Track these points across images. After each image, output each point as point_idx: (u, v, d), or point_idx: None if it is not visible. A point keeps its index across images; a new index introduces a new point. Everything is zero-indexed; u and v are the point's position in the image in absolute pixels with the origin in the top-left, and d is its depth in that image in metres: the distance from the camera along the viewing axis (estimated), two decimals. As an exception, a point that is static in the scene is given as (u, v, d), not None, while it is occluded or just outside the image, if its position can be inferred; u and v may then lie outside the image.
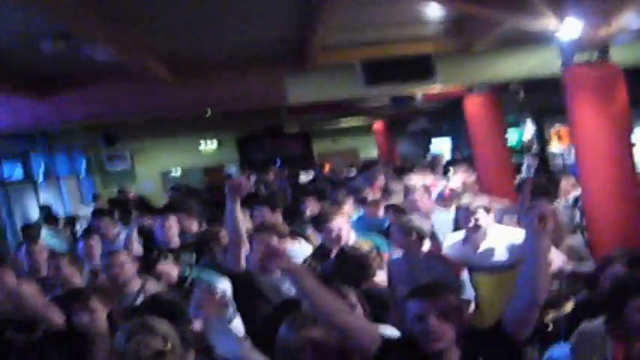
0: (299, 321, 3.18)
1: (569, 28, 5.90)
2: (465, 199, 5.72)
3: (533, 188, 6.78)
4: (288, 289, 4.73)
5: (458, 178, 9.85)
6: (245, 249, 4.63)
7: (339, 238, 5.52)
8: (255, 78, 9.29)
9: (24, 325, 4.53)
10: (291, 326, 3.15)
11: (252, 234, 5.30)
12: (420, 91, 10.05)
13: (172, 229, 6.89)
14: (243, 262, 4.59)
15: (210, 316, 2.93)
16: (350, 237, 5.64)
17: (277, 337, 3.18)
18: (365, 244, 5.01)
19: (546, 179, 8.26)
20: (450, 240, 5.69)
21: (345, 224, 5.71)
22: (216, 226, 6.89)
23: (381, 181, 9.50)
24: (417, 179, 8.87)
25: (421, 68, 7.71)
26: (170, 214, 7.18)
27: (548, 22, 6.05)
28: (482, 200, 5.59)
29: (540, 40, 7.25)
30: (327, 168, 18.33)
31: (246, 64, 9.10)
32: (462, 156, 16.55)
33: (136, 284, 5.09)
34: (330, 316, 3.03)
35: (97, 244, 6.60)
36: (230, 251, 4.61)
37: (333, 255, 5.37)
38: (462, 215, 5.52)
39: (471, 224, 5.35)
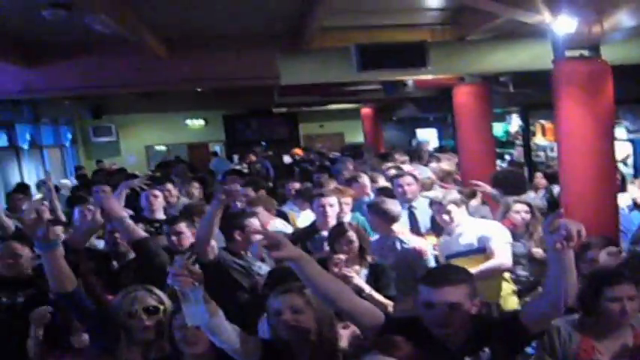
0: (282, 288, 3.32)
1: (563, 23, 6.01)
2: (438, 193, 5.96)
3: (504, 180, 7.02)
4: (259, 268, 4.93)
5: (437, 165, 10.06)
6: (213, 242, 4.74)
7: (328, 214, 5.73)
8: (248, 56, 9.32)
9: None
10: (276, 293, 3.29)
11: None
12: (413, 78, 10.11)
13: (158, 199, 7.11)
14: (211, 253, 4.68)
15: (185, 286, 2.98)
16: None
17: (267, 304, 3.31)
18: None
19: (514, 172, 8.32)
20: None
21: (335, 202, 5.89)
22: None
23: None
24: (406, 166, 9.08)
25: (415, 55, 7.75)
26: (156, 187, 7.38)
27: (542, 17, 6.16)
28: (454, 195, 5.80)
29: (534, 34, 7.35)
30: (299, 152, 18.34)
31: (241, 42, 9.13)
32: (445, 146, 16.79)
33: None
34: (336, 301, 3.10)
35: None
36: (199, 245, 4.63)
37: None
38: (435, 209, 5.76)
39: (444, 217, 5.61)
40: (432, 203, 5.84)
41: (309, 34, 8.15)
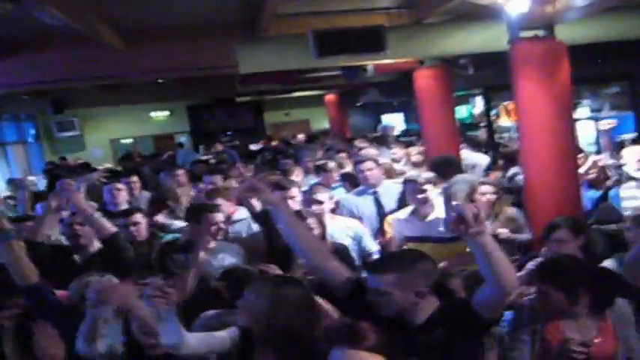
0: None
1: (516, 3, 6.02)
2: (412, 172, 5.89)
3: (444, 163, 7.07)
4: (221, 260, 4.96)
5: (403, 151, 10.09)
6: None
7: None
8: (206, 46, 9.27)
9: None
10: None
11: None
12: (372, 63, 10.10)
13: (122, 192, 7.10)
14: None
15: (160, 307, 2.97)
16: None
17: None
18: None
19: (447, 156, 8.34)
20: (398, 215, 5.83)
21: (297, 194, 5.89)
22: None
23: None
24: (369, 151, 9.09)
25: (373, 40, 7.74)
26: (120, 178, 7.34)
27: (495, -2, 6.19)
28: (429, 174, 5.75)
29: (490, 15, 7.36)
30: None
31: (198, 32, 9.07)
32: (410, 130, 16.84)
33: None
34: (308, 252, 3.31)
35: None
36: None
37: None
38: (409, 188, 5.64)
39: (419, 196, 5.51)
40: (406, 182, 5.73)
41: (265, 22, 8.11)
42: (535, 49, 6.32)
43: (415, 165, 9.01)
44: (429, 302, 3.05)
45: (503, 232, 5.83)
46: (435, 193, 5.57)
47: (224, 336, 3.22)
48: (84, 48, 8.91)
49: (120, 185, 7.21)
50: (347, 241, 5.41)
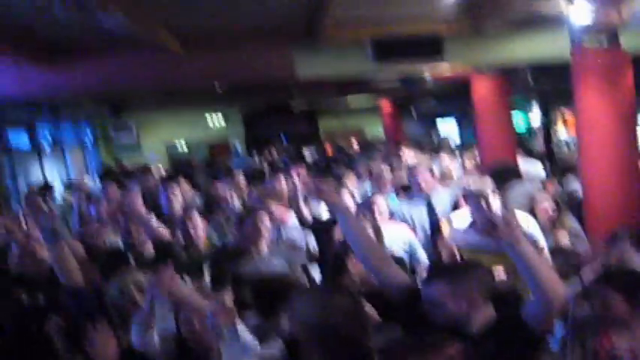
0: None
1: (580, 11, 5.91)
2: (475, 183, 5.74)
3: (504, 171, 6.92)
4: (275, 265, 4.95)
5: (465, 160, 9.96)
6: None
7: None
8: (264, 52, 9.27)
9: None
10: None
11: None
12: (429, 71, 10.03)
13: (178, 197, 7.15)
14: None
15: (223, 325, 2.99)
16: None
17: None
18: None
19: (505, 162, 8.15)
20: (458, 221, 5.71)
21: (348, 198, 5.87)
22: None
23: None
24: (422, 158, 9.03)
25: (431, 47, 7.72)
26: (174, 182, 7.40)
27: (558, 5, 6.07)
28: (490, 185, 5.61)
29: (550, 24, 7.25)
30: (329, 149, 18.44)
31: (256, 38, 9.08)
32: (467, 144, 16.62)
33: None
34: (368, 255, 3.34)
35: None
36: None
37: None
38: (472, 202, 5.31)
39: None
40: (469, 194, 5.48)
41: (323, 28, 8.09)
42: (598, 58, 6.21)
43: (468, 171, 8.88)
44: (483, 313, 3.00)
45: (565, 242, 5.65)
46: (496, 203, 5.43)
47: (273, 352, 3.21)
48: (142, 52, 9.03)
49: (177, 190, 7.29)
50: (400, 251, 5.37)
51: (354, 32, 8.52)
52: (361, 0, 7.42)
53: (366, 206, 5.65)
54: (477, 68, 9.65)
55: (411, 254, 5.53)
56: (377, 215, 5.49)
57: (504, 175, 6.99)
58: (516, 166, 7.71)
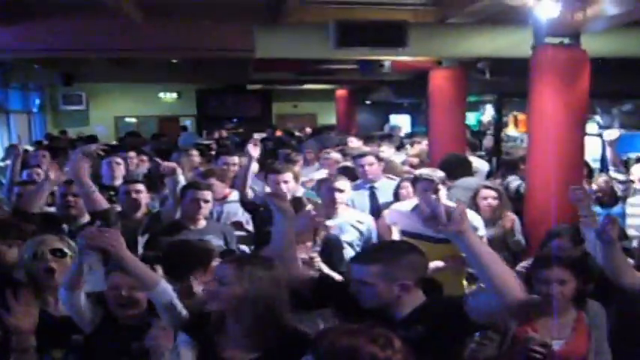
0: None
1: (546, 7, 5.97)
2: (426, 171, 5.79)
3: (457, 163, 6.99)
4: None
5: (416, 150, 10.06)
6: None
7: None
8: (225, 27, 9.20)
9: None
10: None
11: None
12: (390, 58, 10.04)
13: (120, 167, 7.20)
14: None
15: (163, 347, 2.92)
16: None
17: None
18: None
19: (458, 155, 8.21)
20: (399, 206, 5.70)
21: (291, 179, 5.94)
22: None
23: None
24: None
25: (394, 35, 7.68)
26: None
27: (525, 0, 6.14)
28: (441, 173, 5.63)
29: (515, 20, 7.34)
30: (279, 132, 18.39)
31: (219, 13, 8.99)
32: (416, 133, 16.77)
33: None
34: (285, 254, 3.29)
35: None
36: None
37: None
38: (422, 186, 5.37)
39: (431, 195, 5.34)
40: (418, 180, 5.51)
41: (287, 8, 8.03)
42: (559, 56, 6.30)
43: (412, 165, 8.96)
44: (414, 297, 2.97)
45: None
46: (443, 193, 5.46)
47: None
48: (101, 18, 8.85)
49: (119, 159, 7.28)
50: (354, 234, 5.37)
51: (318, 14, 8.50)
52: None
53: (329, 186, 5.62)
54: (438, 59, 9.71)
55: (367, 240, 5.50)
56: (337, 196, 5.45)
57: (456, 167, 7.02)
58: (467, 159, 7.75)
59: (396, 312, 2.94)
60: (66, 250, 3.75)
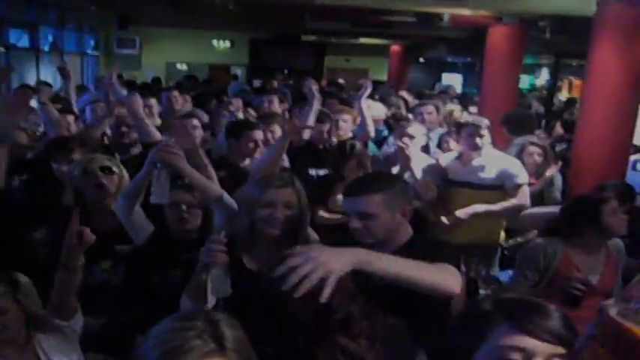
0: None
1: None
2: (472, 117, 5.80)
3: (512, 119, 6.87)
4: None
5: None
6: None
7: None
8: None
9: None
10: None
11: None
12: (452, 11, 9.84)
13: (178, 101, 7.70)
14: None
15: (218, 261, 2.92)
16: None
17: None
18: None
19: (523, 112, 8.07)
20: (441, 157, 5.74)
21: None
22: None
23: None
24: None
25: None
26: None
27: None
28: (486, 120, 5.56)
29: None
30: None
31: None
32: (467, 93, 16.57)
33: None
34: None
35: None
36: None
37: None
38: (468, 131, 5.33)
39: (477, 140, 5.24)
40: (463, 125, 5.45)
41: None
42: (624, 14, 6.12)
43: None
44: (405, 229, 2.94)
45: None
46: (487, 139, 5.39)
47: None
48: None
49: (175, 93, 7.89)
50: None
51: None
52: None
53: (401, 132, 5.63)
54: (499, 15, 9.51)
55: None
56: (407, 141, 5.42)
57: (522, 124, 6.89)
58: (532, 116, 7.59)
59: (391, 244, 2.86)
60: (114, 168, 3.84)
